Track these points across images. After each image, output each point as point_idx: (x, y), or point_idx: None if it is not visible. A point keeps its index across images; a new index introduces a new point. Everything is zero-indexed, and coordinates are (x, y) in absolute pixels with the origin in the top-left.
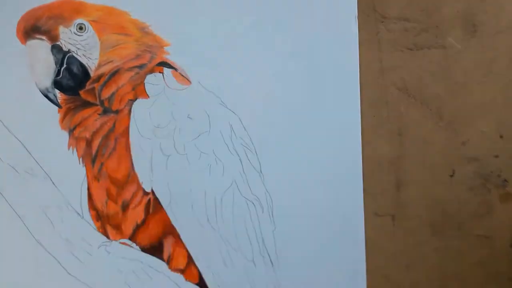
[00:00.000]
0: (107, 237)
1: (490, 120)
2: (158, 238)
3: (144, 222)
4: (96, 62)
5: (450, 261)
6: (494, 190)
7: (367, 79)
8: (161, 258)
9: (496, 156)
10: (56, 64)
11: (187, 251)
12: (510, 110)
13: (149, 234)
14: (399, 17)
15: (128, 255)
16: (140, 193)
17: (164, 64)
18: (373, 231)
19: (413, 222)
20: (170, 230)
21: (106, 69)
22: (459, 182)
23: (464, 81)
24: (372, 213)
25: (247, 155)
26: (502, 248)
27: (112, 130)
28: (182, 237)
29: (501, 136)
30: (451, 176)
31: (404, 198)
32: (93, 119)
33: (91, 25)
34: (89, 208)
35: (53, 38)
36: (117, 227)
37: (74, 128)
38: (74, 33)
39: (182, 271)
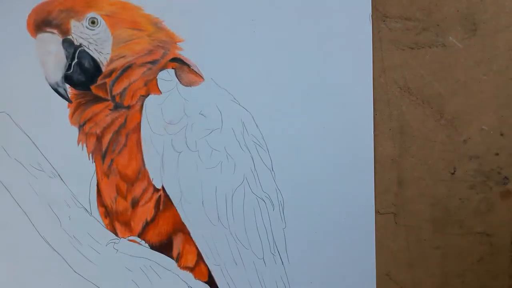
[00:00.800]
0: (116, 234)
1: (491, 118)
2: (167, 235)
3: (153, 219)
4: (108, 57)
5: (452, 258)
6: (495, 188)
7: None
8: (170, 255)
9: (497, 154)
10: (67, 58)
11: (196, 248)
12: (510, 108)
13: (159, 231)
14: (400, 16)
15: (136, 253)
16: (151, 190)
17: (177, 60)
18: (375, 228)
19: (414, 219)
20: (180, 228)
21: (118, 64)
22: (460, 180)
23: (464, 79)
24: (374, 211)
25: (258, 152)
26: (503, 245)
27: (123, 126)
28: (192, 234)
29: (501, 134)
30: (452, 173)
31: (406, 196)
32: (104, 115)
33: (103, 19)
34: (97, 205)
35: (64, 32)
36: (126, 224)
37: (84, 124)
38: (86, 27)
39: (191, 269)
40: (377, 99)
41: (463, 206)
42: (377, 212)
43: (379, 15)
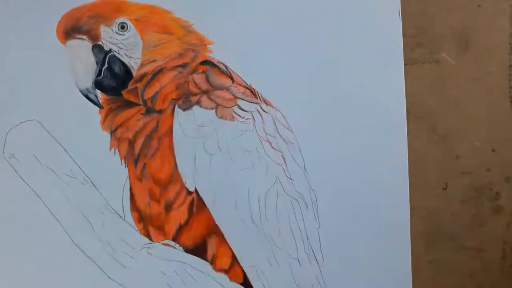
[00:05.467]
0: (150, 238)
1: (483, 134)
2: (201, 238)
3: (187, 222)
4: (139, 61)
5: (443, 273)
6: (486, 203)
7: None
8: (204, 258)
9: (489, 170)
10: (97, 64)
11: (231, 250)
12: (502, 124)
13: (193, 234)
14: None
15: (171, 257)
16: (184, 193)
17: (208, 62)
18: None
19: None
20: (213, 230)
21: (148, 68)
22: (452, 195)
23: (457, 95)
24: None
25: (290, 152)
26: (494, 261)
27: (155, 130)
28: (226, 236)
29: (493, 150)
30: (445, 189)
31: None
32: (135, 119)
33: (133, 24)
34: (131, 210)
35: (94, 37)
36: (160, 228)
37: (116, 129)
38: (116, 32)
39: (226, 271)
40: None
41: (455, 221)
42: None
43: None
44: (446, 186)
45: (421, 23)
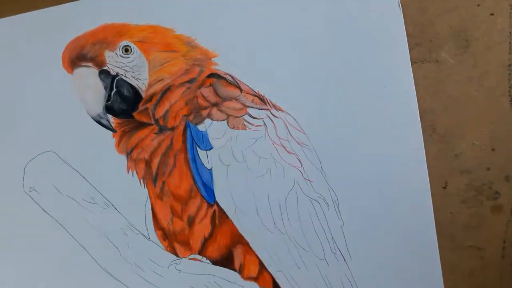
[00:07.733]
0: (176, 255)
1: (482, 134)
2: (227, 248)
3: (211, 234)
4: (146, 82)
5: (443, 272)
6: (486, 202)
7: None
8: (232, 268)
9: (488, 169)
10: (105, 89)
11: (257, 258)
12: (501, 123)
13: (218, 245)
14: None
15: (199, 270)
16: (205, 206)
17: (214, 75)
18: None
19: None
20: (238, 239)
21: (157, 87)
22: (452, 194)
23: (456, 95)
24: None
25: (306, 154)
26: (494, 259)
27: (170, 147)
28: (251, 244)
29: (492, 149)
30: (444, 188)
31: None
32: (150, 139)
33: (136, 46)
34: (155, 229)
35: (99, 63)
36: (185, 244)
37: (132, 151)
38: (120, 56)
39: (255, 279)
40: None
41: (454, 220)
42: None
43: None
44: (446, 185)
45: (421, 22)
